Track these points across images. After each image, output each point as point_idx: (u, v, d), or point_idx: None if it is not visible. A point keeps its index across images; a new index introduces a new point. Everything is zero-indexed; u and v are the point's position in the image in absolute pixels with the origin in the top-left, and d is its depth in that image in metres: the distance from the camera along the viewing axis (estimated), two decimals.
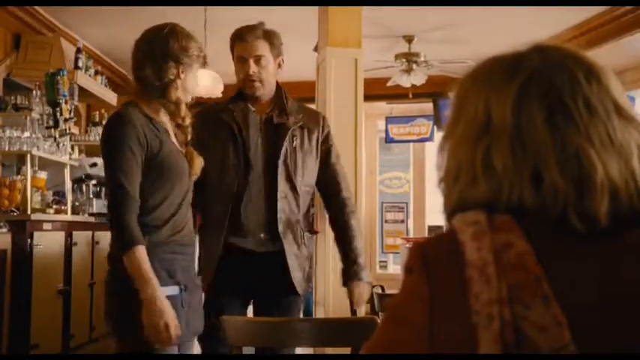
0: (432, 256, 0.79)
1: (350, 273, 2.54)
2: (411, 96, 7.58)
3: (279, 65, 2.57)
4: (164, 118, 2.15)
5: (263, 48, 2.50)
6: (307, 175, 2.53)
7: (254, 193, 2.46)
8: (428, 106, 8.09)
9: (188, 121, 2.19)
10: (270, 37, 2.53)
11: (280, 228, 2.44)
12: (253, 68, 2.50)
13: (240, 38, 2.53)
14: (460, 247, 0.77)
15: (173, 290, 2.02)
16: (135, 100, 2.13)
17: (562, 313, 0.73)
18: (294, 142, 2.50)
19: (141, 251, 1.93)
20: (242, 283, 2.46)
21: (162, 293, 1.94)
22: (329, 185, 2.62)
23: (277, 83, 2.61)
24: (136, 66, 2.13)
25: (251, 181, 2.46)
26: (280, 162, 2.46)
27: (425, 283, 0.78)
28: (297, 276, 2.48)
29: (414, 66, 6.84)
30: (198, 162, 2.18)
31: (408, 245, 6.30)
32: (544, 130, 0.78)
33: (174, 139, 2.15)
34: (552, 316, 0.73)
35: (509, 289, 0.73)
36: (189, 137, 2.18)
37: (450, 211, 0.85)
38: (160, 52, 2.08)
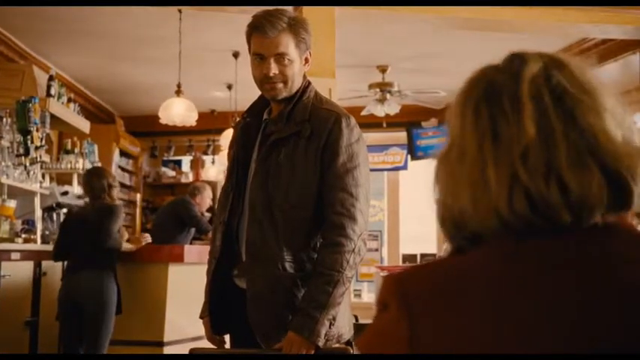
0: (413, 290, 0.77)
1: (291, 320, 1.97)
2: (384, 125, 7.64)
3: (307, 60, 2.09)
4: None
5: (287, 44, 2.00)
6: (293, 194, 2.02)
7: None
8: (402, 135, 8.16)
9: None
10: (298, 28, 2.02)
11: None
12: (274, 69, 2.00)
13: (259, 30, 2.00)
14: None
15: None
16: None
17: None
18: (280, 156, 2.01)
19: None
20: None
21: None
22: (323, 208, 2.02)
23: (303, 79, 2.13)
24: None
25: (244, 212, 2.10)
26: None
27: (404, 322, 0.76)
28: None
29: (388, 95, 6.91)
30: None
31: (382, 274, 6.29)
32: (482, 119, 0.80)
33: None
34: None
35: None
36: None
37: None
38: None
